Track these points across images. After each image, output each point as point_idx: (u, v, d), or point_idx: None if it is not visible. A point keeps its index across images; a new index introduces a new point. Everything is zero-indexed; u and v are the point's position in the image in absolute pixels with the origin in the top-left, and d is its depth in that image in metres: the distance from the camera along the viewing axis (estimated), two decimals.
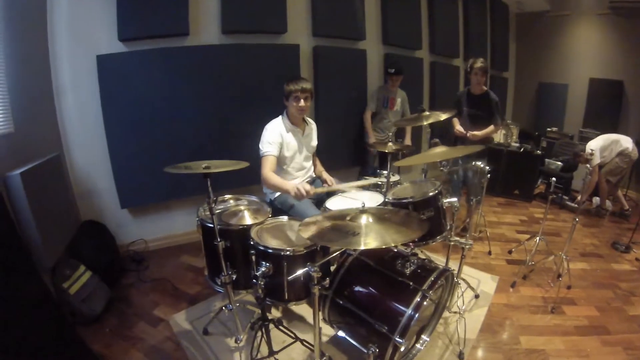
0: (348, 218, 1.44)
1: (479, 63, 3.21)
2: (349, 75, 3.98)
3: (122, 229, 3.09)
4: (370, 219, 1.42)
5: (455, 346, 2.07)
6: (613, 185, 4.36)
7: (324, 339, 2.05)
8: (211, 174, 1.70)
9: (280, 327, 1.97)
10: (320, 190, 2.24)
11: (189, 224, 3.17)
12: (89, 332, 2.13)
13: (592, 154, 4.05)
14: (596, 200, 4.48)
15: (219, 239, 1.75)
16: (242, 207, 2.08)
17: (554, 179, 2.87)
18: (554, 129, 5.93)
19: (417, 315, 1.41)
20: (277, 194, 2.40)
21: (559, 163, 5.07)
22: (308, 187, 2.03)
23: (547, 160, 5.16)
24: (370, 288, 1.66)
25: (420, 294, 1.47)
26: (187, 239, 3.33)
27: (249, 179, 3.12)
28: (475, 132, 3.25)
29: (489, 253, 3.30)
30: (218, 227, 1.76)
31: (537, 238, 3.07)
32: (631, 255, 3.44)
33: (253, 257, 1.70)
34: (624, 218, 4.38)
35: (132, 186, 2.97)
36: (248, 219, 1.95)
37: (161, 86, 2.90)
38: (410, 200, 2.09)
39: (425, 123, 2.45)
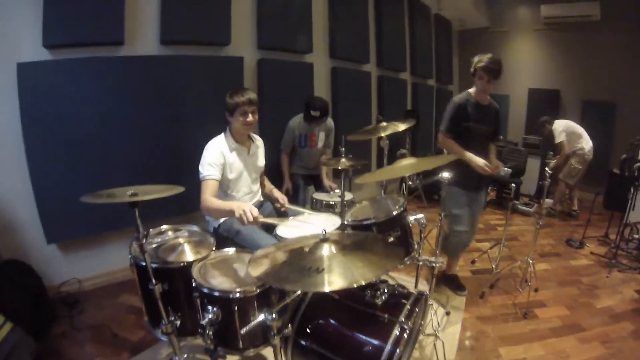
0: (307, 249, 1.23)
1: (485, 61, 2.28)
2: (296, 89, 3.83)
3: (51, 268, 2.65)
4: (334, 249, 1.20)
5: None
6: (572, 187, 4.60)
7: None
8: (139, 203, 1.38)
9: None
10: (270, 220, 1.93)
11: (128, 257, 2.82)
12: None
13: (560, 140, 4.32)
14: (548, 202, 4.67)
15: (154, 283, 1.44)
16: (181, 240, 1.78)
17: (513, 185, 2.91)
18: (500, 137, 6.22)
19: (398, 351, 1.23)
20: (221, 220, 2.12)
21: (508, 169, 5.27)
22: (256, 212, 1.70)
23: None
24: (340, 325, 1.42)
25: (397, 326, 1.29)
26: (126, 275, 2.90)
27: (190, 206, 2.82)
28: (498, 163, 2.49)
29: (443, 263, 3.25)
30: (154, 265, 1.46)
31: (501, 245, 3.08)
32: (585, 250, 3.62)
33: (198, 301, 1.42)
34: (572, 217, 4.60)
35: (60, 217, 2.56)
36: (189, 254, 1.66)
37: (92, 100, 2.57)
38: (373, 221, 1.88)
39: (383, 134, 2.33)
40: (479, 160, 2.30)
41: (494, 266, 3.06)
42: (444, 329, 2.29)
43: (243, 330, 1.19)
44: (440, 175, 2.01)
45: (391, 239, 1.78)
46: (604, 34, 5.41)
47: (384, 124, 2.37)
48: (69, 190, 2.49)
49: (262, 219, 1.71)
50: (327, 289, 0.99)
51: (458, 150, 2.37)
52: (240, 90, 2.04)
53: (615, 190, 4.24)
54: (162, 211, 2.65)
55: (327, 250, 1.19)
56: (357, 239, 1.38)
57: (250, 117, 2.03)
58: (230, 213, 1.78)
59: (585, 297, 2.73)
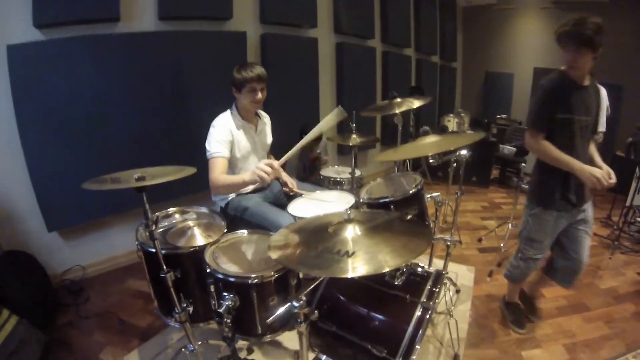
0: (330, 230, 1.16)
1: (570, 23, 1.59)
2: (300, 64, 3.76)
3: (53, 256, 2.61)
4: (358, 231, 1.12)
5: (447, 348, 1.94)
6: None
7: None
8: (147, 187, 1.29)
9: None
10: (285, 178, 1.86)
11: (133, 241, 2.77)
12: None
13: None
14: None
15: (165, 270, 1.38)
16: (190, 223, 1.69)
17: (524, 164, 2.87)
18: (503, 115, 6.17)
19: (420, 332, 1.20)
20: (229, 198, 2.06)
21: (513, 148, 5.24)
22: (270, 162, 1.61)
23: (501, 146, 5.31)
24: (360, 306, 1.39)
25: (420, 307, 1.26)
26: (131, 260, 2.88)
27: (196, 185, 2.75)
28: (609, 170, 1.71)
29: (460, 243, 3.24)
30: (163, 251, 1.39)
31: (509, 224, 3.07)
32: None
33: (212, 288, 1.37)
34: None
35: (59, 204, 2.49)
36: (199, 238, 1.57)
37: (88, 81, 2.47)
38: (391, 199, 1.83)
39: (397, 111, 2.26)
40: (592, 171, 1.63)
41: (501, 244, 3.08)
42: (455, 306, 2.30)
43: (269, 320, 1.14)
44: (457, 154, 1.95)
45: (409, 217, 1.75)
46: (613, 15, 5.25)
47: (398, 100, 2.29)
48: (68, 175, 2.45)
49: (280, 162, 1.67)
50: (353, 274, 0.93)
51: (559, 158, 1.69)
52: (248, 65, 1.92)
53: (618, 173, 4.19)
54: (166, 192, 2.57)
55: (351, 231, 1.12)
56: (381, 219, 1.31)
57: (259, 95, 1.94)
58: (244, 184, 1.73)
59: (589, 278, 2.74)
